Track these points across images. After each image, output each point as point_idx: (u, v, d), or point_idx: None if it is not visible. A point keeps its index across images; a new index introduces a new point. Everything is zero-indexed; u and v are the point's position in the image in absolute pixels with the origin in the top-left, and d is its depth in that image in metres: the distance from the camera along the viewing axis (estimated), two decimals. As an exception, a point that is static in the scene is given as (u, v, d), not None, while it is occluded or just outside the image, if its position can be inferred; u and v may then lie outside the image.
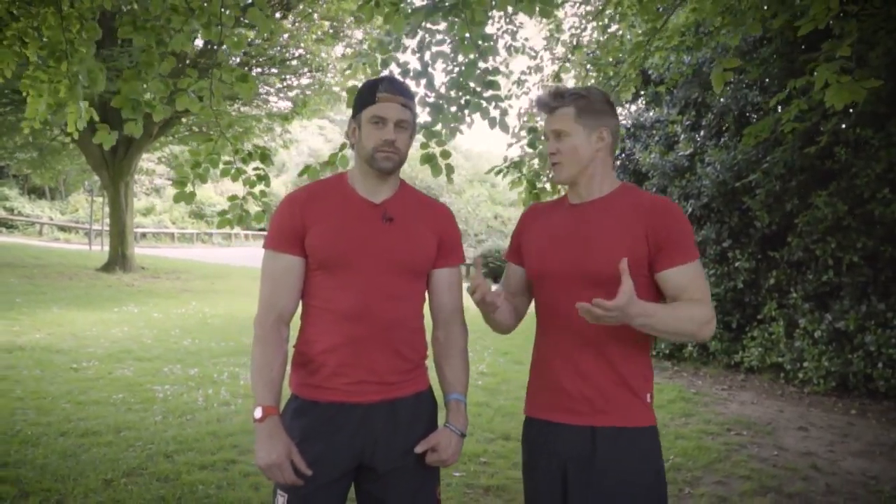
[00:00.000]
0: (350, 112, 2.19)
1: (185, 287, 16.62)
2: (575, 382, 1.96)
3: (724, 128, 8.84)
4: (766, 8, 5.89)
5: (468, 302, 2.25)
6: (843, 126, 7.13)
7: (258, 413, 1.93)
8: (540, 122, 6.80)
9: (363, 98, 2.06)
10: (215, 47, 4.69)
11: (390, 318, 2.01)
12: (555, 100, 2.01)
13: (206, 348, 8.87)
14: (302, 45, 18.39)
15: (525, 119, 5.87)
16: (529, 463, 2.10)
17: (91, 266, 19.11)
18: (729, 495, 4.44)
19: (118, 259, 18.66)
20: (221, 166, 4.58)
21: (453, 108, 4.41)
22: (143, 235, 34.07)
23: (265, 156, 4.71)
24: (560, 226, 2.06)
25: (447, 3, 4.05)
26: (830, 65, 3.96)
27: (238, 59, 16.36)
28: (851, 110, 6.96)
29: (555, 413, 2.01)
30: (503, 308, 2.09)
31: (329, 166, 4.43)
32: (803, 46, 7.60)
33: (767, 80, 8.17)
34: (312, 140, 45.58)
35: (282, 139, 24.09)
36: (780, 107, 7.48)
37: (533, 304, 2.21)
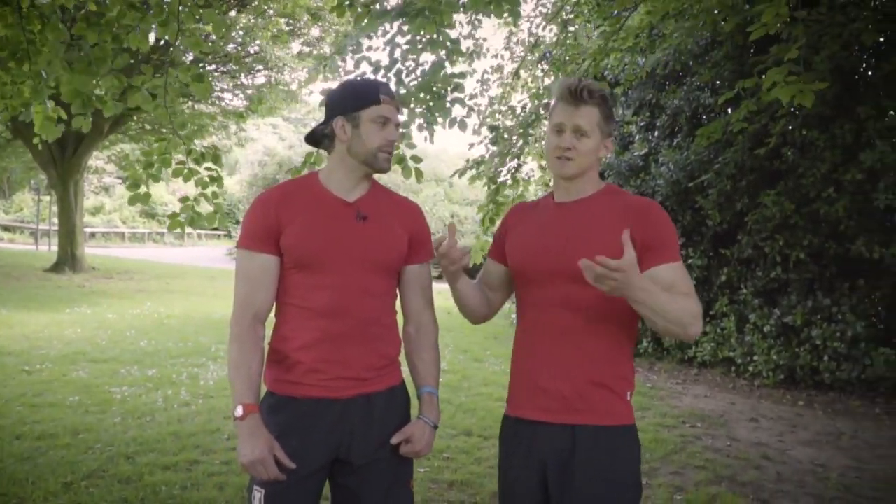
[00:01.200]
0: (321, 118, 2.18)
1: (138, 287, 16.36)
2: (554, 380, 1.95)
3: (677, 129, 9.03)
4: (717, 12, 6.07)
5: (437, 300, 2.31)
6: (791, 128, 7.36)
7: (239, 411, 1.95)
8: (502, 121, 6.90)
9: (362, 97, 2.07)
10: (170, 45, 4.65)
11: (366, 315, 2.06)
12: (588, 95, 1.97)
13: (164, 349, 8.76)
14: (257, 42, 18.22)
15: (486, 116, 5.96)
16: (506, 462, 2.09)
17: (39, 266, 18.69)
18: (685, 485, 4.58)
19: (67, 259, 18.28)
20: (174, 166, 4.54)
21: (420, 110, 4.46)
22: (93, 235, 33.37)
23: (216, 157, 4.67)
24: (546, 224, 2.06)
25: (417, 8, 4.09)
26: (780, 68, 4.14)
27: (191, 57, 16.15)
28: (797, 112, 7.19)
29: (534, 411, 2.00)
30: (471, 290, 2.14)
31: (308, 167, 4.43)
32: (752, 50, 7.82)
33: (718, 82, 8.38)
34: (266, 139, 45.02)
35: (237, 137, 23.83)
36: (729, 108, 7.70)
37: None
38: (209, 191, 4.70)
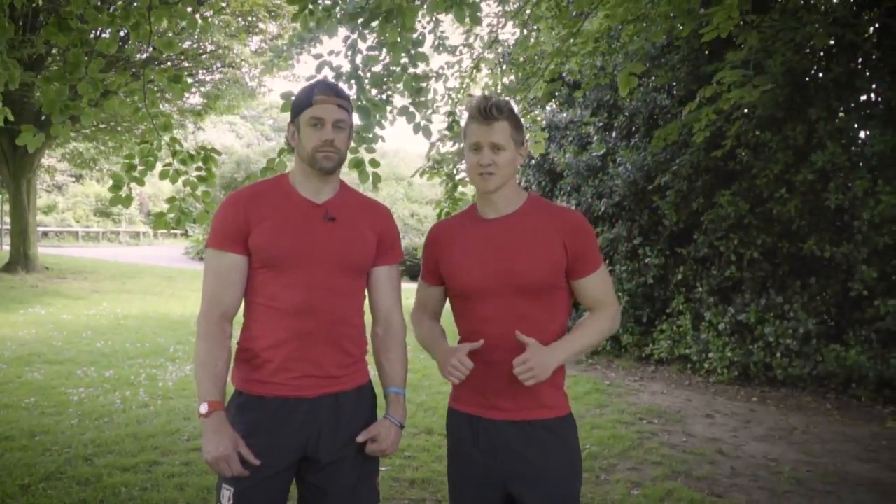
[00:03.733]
0: (278, 116, 2.23)
1: (94, 287, 16.07)
2: (510, 386, 2.06)
3: (634, 129, 9.17)
4: (673, 17, 6.19)
5: (406, 300, 2.34)
6: (744, 129, 7.51)
7: (204, 408, 1.97)
8: (459, 109, 6.91)
9: (300, 102, 2.13)
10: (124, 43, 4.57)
11: (335, 314, 2.09)
12: (497, 112, 2.06)
13: (121, 350, 8.65)
14: (214, 38, 17.98)
15: (441, 105, 5.96)
16: (458, 455, 2.19)
17: (-10, 267, 18.27)
18: (642, 480, 4.67)
19: (20, 259, 17.87)
20: (160, 169, 4.47)
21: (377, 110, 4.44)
22: (46, 234, 32.66)
23: (209, 157, 4.60)
24: (481, 241, 2.14)
25: (381, 10, 4.08)
26: (734, 72, 4.27)
27: (146, 55, 15.87)
28: (752, 114, 7.35)
29: (491, 411, 2.12)
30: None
31: (269, 171, 4.41)
32: (707, 53, 7.98)
33: (675, 84, 8.53)
34: (224, 137, 44.51)
35: (194, 137, 23.49)
36: (684, 111, 7.80)
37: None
38: (199, 191, 4.63)
